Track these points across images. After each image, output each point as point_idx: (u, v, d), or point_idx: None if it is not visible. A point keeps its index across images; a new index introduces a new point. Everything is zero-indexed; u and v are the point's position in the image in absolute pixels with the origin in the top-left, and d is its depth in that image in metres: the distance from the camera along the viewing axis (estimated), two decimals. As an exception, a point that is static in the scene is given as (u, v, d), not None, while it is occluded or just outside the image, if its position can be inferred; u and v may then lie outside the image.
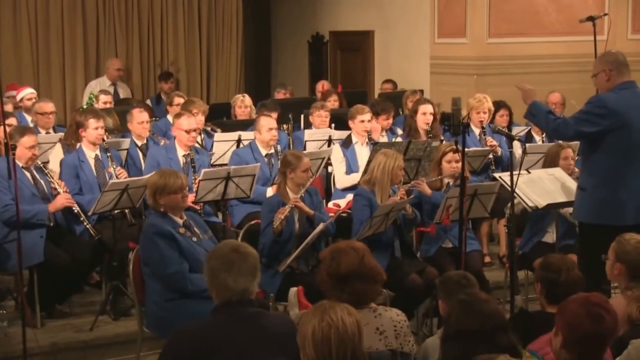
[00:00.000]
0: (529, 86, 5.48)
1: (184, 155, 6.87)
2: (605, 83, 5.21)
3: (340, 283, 3.78)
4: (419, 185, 6.34)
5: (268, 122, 7.13)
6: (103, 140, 6.63)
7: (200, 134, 7.76)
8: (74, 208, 6.13)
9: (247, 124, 8.15)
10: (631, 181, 5.15)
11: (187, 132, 6.84)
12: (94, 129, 6.59)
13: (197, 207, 6.42)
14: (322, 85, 10.56)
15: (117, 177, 6.39)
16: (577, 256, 5.23)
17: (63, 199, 6.09)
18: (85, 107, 8.00)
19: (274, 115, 7.80)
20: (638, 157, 5.15)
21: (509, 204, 5.48)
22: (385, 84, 10.82)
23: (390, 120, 8.14)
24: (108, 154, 6.55)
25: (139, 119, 7.32)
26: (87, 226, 6.10)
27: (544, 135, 8.00)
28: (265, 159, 7.07)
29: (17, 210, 5.23)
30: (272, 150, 7.13)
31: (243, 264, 3.48)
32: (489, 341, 3.20)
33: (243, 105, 8.85)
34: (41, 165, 6.26)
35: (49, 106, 7.94)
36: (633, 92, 5.20)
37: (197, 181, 6.37)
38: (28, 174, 6.16)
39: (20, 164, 6.03)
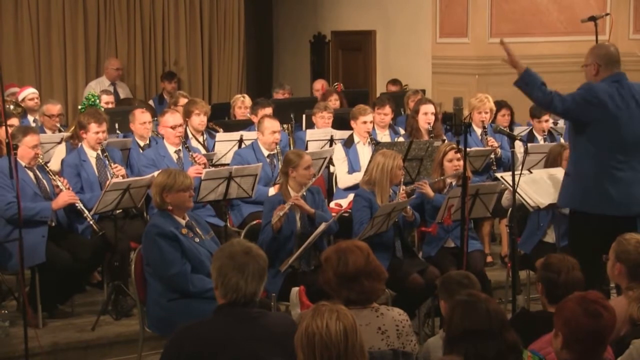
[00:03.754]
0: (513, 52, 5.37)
1: (175, 152, 6.91)
2: (593, 76, 5.23)
3: (348, 282, 3.77)
4: (422, 188, 6.34)
5: (272, 125, 7.14)
6: (100, 144, 6.62)
7: (202, 134, 7.78)
8: (77, 205, 6.13)
9: (247, 124, 8.16)
10: (616, 172, 5.15)
11: (173, 127, 6.91)
12: (94, 132, 6.59)
13: None
14: (322, 85, 10.56)
15: (115, 174, 6.39)
16: (568, 244, 5.28)
17: (66, 196, 6.07)
18: (81, 108, 7.98)
19: (269, 110, 7.88)
20: (624, 150, 5.15)
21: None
22: (391, 85, 10.78)
23: (385, 117, 8.06)
24: (105, 154, 6.56)
25: (141, 120, 7.32)
26: (91, 222, 6.09)
27: (545, 134, 8.01)
28: (267, 160, 7.08)
29: (19, 210, 5.24)
30: (274, 151, 7.14)
31: (255, 267, 3.49)
32: (498, 339, 3.21)
33: (243, 105, 8.85)
34: (44, 164, 6.26)
35: (56, 108, 8.00)
36: (621, 85, 5.19)
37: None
38: (31, 174, 6.15)
39: (23, 163, 6.04)
